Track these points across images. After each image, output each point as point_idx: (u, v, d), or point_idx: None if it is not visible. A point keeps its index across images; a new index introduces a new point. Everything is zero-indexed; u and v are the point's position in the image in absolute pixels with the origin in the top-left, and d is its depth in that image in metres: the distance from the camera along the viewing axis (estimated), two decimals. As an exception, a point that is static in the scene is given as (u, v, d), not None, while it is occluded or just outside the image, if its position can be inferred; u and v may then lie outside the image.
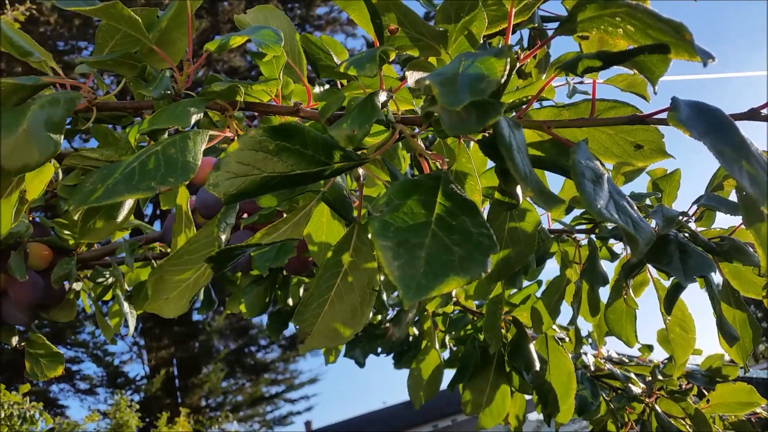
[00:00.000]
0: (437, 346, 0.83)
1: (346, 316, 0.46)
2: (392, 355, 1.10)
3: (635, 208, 0.37)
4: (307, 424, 21.61)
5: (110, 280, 0.92)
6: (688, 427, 0.99)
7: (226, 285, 0.98)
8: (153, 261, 0.92)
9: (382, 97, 0.40)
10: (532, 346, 0.73)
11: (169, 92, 0.44)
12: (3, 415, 2.81)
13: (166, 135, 0.47)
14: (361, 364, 0.99)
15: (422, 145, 0.41)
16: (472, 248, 0.30)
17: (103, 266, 0.91)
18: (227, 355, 10.58)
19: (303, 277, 0.96)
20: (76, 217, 0.75)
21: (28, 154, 0.37)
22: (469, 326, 0.83)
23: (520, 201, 0.42)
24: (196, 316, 10.01)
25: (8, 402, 2.91)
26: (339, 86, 0.50)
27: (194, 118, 0.42)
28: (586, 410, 0.85)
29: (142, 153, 0.37)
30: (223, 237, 0.41)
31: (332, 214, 0.54)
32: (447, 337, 0.90)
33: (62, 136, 0.39)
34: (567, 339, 0.85)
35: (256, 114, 0.51)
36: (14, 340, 0.85)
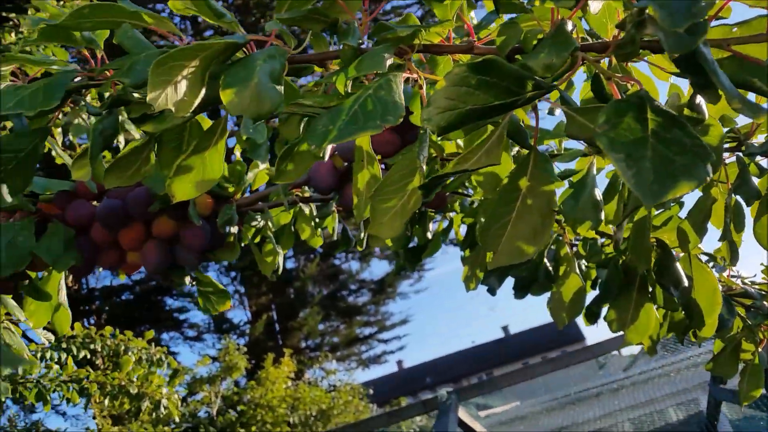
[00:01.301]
0: (577, 270, 0.86)
1: (528, 236, 0.50)
2: (513, 284, 1.14)
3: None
4: (399, 363, 22.46)
5: (261, 223, 1.01)
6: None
7: (363, 223, 1.05)
8: (300, 204, 1.01)
9: (569, 26, 0.42)
10: (678, 265, 0.75)
11: (361, 42, 0.48)
12: (134, 358, 3.11)
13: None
14: (494, 292, 1.05)
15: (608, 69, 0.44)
16: (691, 157, 0.33)
17: (254, 211, 1.00)
18: (321, 299, 11.08)
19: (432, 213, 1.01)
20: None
21: (261, 105, 0.43)
22: (610, 250, 0.86)
23: (706, 117, 0.43)
24: (290, 264, 10.52)
25: (137, 347, 3.21)
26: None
27: (388, 63, 0.46)
28: (723, 327, 0.86)
29: (358, 98, 0.42)
30: (424, 167, 0.46)
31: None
32: (584, 263, 0.93)
33: (282, 87, 0.45)
34: (707, 258, 0.86)
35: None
36: (187, 280, 0.96)
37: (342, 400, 7.52)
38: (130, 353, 3.02)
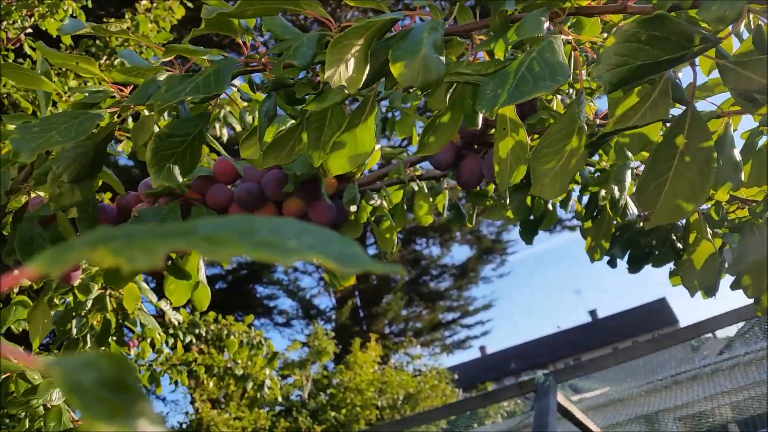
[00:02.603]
0: (709, 236, 0.84)
1: (687, 193, 0.50)
2: (629, 257, 1.11)
3: None
4: (482, 348, 22.32)
5: (378, 201, 1.05)
6: None
7: (478, 199, 1.07)
8: (416, 181, 1.03)
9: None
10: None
11: (513, 8, 0.49)
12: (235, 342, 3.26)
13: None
14: (614, 264, 1.03)
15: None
16: None
17: (372, 190, 1.04)
18: (404, 285, 11.18)
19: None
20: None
21: (428, 75, 0.46)
22: (743, 213, 0.82)
23: None
24: (371, 251, 10.67)
25: (238, 331, 3.37)
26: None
27: (545, 26, 0.47)
28: None
29: (522, 61, 0.44)
30: (585, 127, 0.47)
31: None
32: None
33: (444, 57, 0.47)
34: None
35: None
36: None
37: (428, 385, 7.58)
38: (232, 337, 3.18)
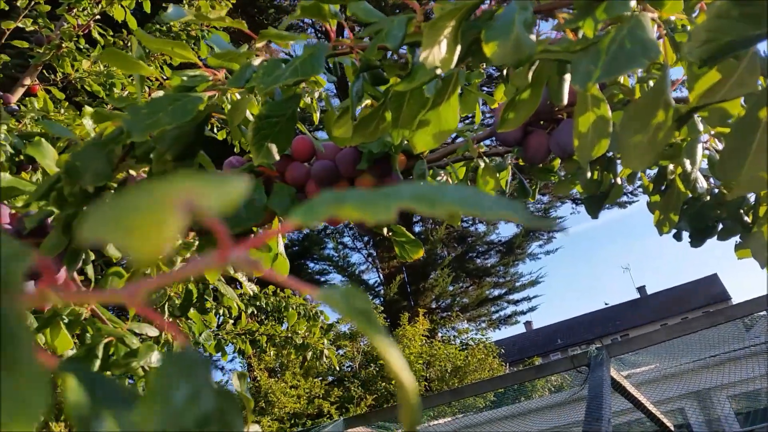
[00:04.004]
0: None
1: (770, 165, 0.51)
2: (692, 231, 1.11)
3: None
4: (527, 324, 22.22)
5: (445, 178, 1.08)
6: None
7: (542, 174, 1.09)
8: (483, 158, 1.06)
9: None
10: None
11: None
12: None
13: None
14: (680, 237, 1.04)
15: None
16: None
17: (438, 167, 1.07)
18: (450, 261, 11.22)
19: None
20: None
21: (520, 53, 0.48)
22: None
23: None
24: (417, 228, 10.74)
25: (295, 303, 3.48)
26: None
27: (632, 4, 0.49)
28: None
29: (614, 38, 0.46)
30: (672, 101, 0.49)
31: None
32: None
33: (534, 35, 0.50)
34: None
35: None
36: (384, 231, 1.06)
37: (476, 358, 7.64)
38: (290, 309, 3.30)
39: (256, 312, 3.34)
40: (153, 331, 1.01)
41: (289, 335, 2.91)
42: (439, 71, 0.52)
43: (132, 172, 0.89)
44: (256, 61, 0.69)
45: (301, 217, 0.18)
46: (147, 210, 0.10)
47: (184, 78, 0.71)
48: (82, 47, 2.46)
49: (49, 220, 0.89)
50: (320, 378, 6.60)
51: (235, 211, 0.88)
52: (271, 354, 3.19)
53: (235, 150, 2.20)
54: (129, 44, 2.55)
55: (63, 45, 2.43)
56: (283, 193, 0.92)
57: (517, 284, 11.80)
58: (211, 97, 0.71)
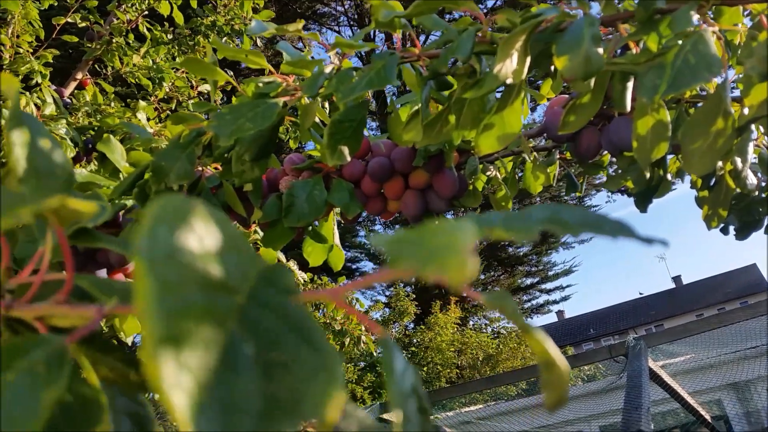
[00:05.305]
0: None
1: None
2: (739, 224, 1.13)
3: None
4: (559, 313, 22.06)
5: (494, 173, 1.12)
6: None
7: (592, 170, 1.12)
8: (534, 153, 1.10)
9: None
10: None
11: (663, 5, 0.55)
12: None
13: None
14: (726, 231, 1.06)
15: None
16: None
17: (488, 162, 1.11)
18: (482, 250, 11.21)
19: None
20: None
21: (590, 66, 0.52)
22: None
23: None
24: (449, 216, 10.72)
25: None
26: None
27: (694, 19, 0.53)
28: None
29: (677, 54, 0.49)
30: (731, 110, 0.52)
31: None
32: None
33: (601, 49, 0.53)
34: None
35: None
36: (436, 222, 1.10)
37: (508, 347, 7.66)
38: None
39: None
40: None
41: (328, 321, 2.99)
42: (510, 81, 0.56)
43: (203, 168, 0.95)
44: (327, 69, 0.74)
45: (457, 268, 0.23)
46: (454, 251, 0.15)
47: (260, 84, 0.77)
48: (131, 42, 2.55)
49: (121, 213, 0.96)
50: (353, 363, 6.71)
51: (298, 206, 0.93)
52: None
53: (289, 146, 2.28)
54: (177, 37, 2.62)
55: (113, 40, 2.52)
56: (341, 189, 0.97)
57: (550, 273, 11.75)
58: (284, 102, 0.76)
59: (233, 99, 0.89)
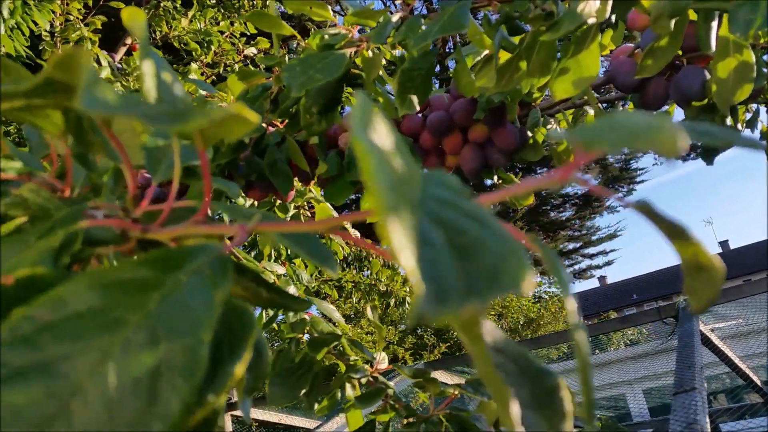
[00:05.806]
0: None
1: None
2: None
3: None
4: (601, 279, 21.78)
5: (554, 126, 1.10)
6: None
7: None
8: (598, 105, 1.07)
9: None
10: None
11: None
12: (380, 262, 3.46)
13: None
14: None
15: None
16: None
17: (549, 115, 1.09)
18: (524, 215, 11.10)
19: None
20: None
21: (676, 5, 0.51)
22: None
23: None
24: (488, 182, 10.62)
25: (376, 253, 3.56)
26: None
27: None
28: None
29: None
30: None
31: None
32: None
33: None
34: None
35: None
36: (495, 178, 1.10)
37: (550, 311, 7.63)
38: (372, 257, 3.42)
39: (338, 260, 3.49)
40: (281, 269, 1.11)
41: (373, 282, 3.03)
42: (591, 20, 0.55)
43: (266, 125, 0.96)
44: (394, 18, 0.73)
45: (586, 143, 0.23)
46: (662, 128, 0.16)
47: (326, 36, 0.77)
48: (178, 6, 2.57)
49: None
50: (394, 325, 6.80)
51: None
52: (354, 300, 3.33)
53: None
54: (222, 1, 2.63)
55: (161, 4, 2.55)
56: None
57: (594, 238, 11.54)
58: (350, 53, 0.76)
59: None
